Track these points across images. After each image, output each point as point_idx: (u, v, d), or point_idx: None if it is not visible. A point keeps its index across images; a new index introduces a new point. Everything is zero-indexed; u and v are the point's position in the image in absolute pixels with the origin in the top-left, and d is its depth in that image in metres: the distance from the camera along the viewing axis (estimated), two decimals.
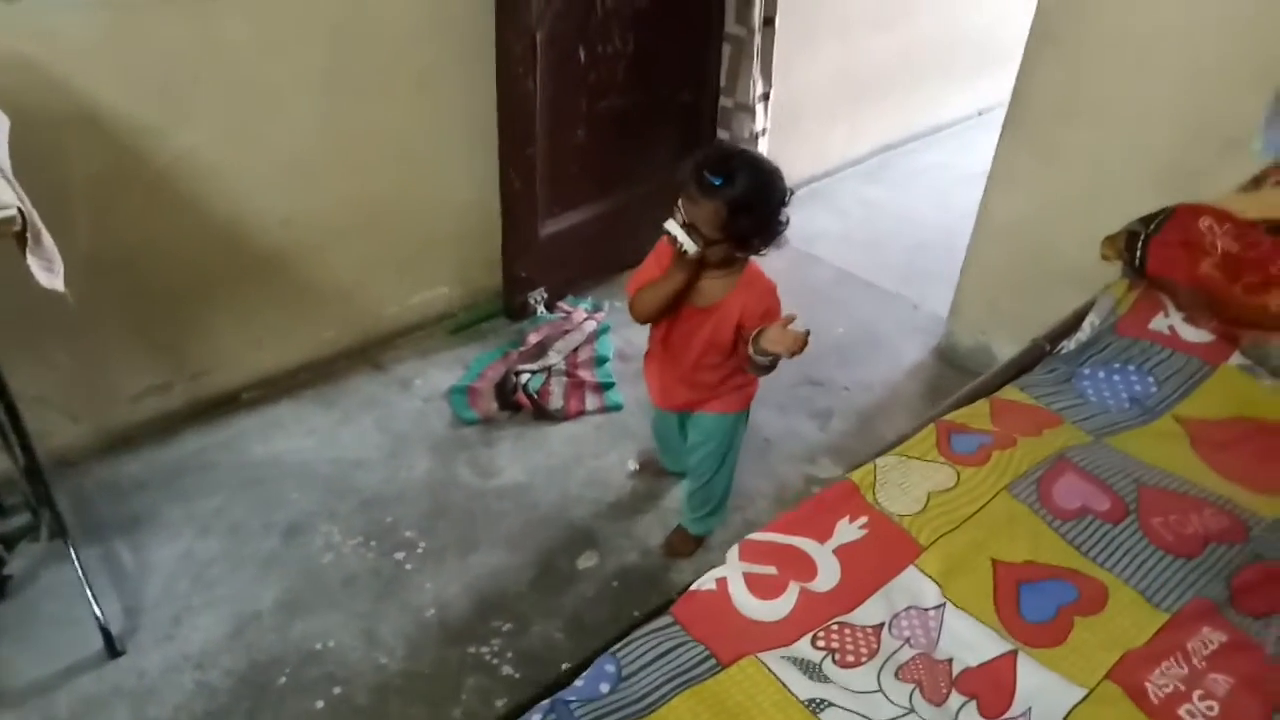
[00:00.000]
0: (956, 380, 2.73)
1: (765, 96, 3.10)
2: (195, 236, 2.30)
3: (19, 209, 1.46)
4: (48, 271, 1.57)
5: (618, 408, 2.64)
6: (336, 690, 1.82)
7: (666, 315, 1.81)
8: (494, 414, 2.58)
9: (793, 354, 1.65)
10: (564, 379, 2.68)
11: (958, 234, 3.40)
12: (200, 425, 2.47)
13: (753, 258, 1.77)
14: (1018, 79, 2.47)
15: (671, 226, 1.62)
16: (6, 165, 1.55)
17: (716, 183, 1.54)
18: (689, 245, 1.60)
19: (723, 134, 3.17)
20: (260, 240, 2.42)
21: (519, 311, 2.96)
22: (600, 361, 2.79)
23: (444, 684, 1.84)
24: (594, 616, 2.00)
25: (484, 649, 1.92)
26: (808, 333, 1.65)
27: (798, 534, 1.12)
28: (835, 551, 1.11)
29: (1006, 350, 2.69)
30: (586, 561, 2.14)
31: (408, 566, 2.10)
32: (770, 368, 1.75)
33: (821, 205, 3.84)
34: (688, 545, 2.15)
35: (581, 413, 2.60)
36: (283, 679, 1.84)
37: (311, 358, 2.70)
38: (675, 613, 1.04)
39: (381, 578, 2.07)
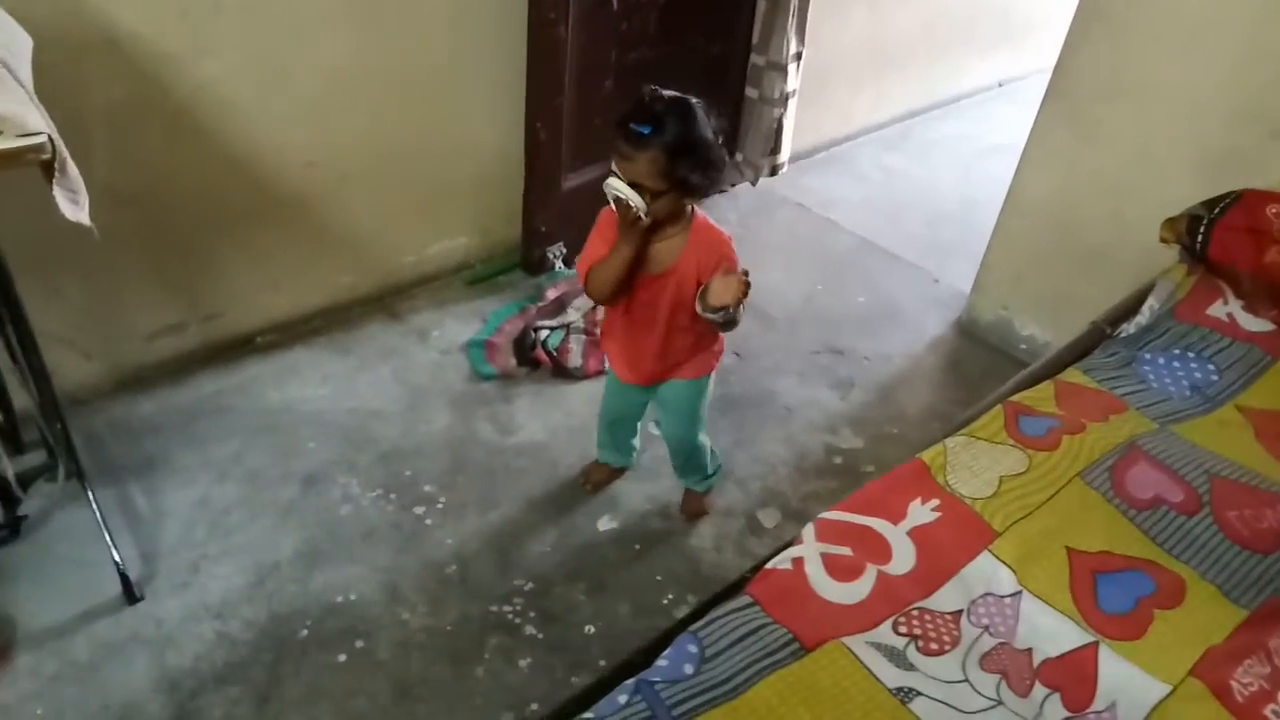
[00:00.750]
0: (977, 354, 2.73)
1: (798, 56, 3.03)
2: (214, 172, 2.22)
3: (49, 136, 1.40)
4: (72, 203, 1.51)
5: None
6: (359, 644, 1.80)
7: (624, 291, 1.71)
8: (512, 370, 2.54)
9: (739, 301, 1.58)
10: (583, 337, 2.63)
11: (978, 206, 3.38)
12: (214, 368, 2.42)
13: (700, 212, 1.69)
14: (1062, 53, 2.42)
15: (616, 186, 1.52)
16: (31, 89, 1.47)
17: (645, 131, 1.46)
18: (637, 202, 1.49)
19: (751, 92, 3.11)
20: (280, 180, 2.35)
21: (537, 265, 2.91)
22: None
23: (466, 641, 1.83)
24: (616, 579, 1.98)
25: (506, 608, 1.90)
26: (746, 273, 1.59)
27: (871, 514, 1.10)
28: (910, 534, 1.09)
29: (1029, 326, 2.68)
30: (607, 524, 2.12)
31: (428, 521, 2.08)
32: (729, 323, 1.66)
33: (842, 170, 3.79)
34: (703, 505, 2.15)
35: (601, 372, 2.57)
36: (304, 631, 1.82)
37: (327, 303, 2.64)
38: (753, 592, 1.02)
39: (402, 532, 2.04)
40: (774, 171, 3.27)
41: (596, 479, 2.21)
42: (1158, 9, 2.20)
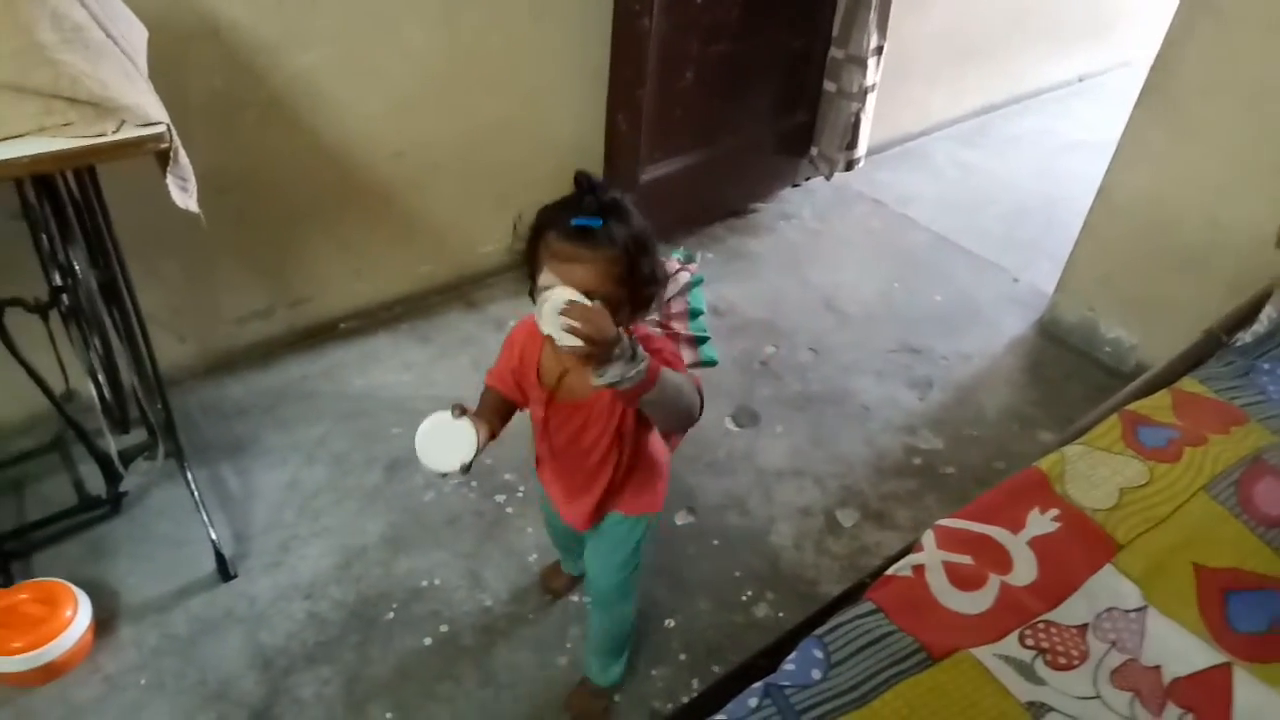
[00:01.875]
0: (1058, 356, 2.67)
1: (878, 50, 2.98)
2: (305, 161, 2.26)
3: (167, 126, 1.43)
4: (183, 191, 1.55)
5: (712, 363, 2.57)
6: (443, 629, 1.83)
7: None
8: None
9: (593, 326, 1.07)
10: (657, 330, 2.63)
11: (1059, 204, 3.31)
12: (300, 353, 2.46)
13: (646, 329, 1.35)
14: (1162, 47, 2.35)
15: (559, 296, 1.08)
16: (147, 78, 1.51)
17: (597, 224, 1.11)
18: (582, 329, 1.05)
19: (829, 85, 3.07)
20: (368, 169, 2.38)
21: None
22: (694, 315, 2.72)
23: (548, 630, 1.84)
24: (694, 573, 1.98)
25: (586, 599, 1.91)
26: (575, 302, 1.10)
27: (990, 523, 1.09)
28: (1030, 543, 1.07)
29: (1115, 328, 2.62)
30: (685, 518, 2.12)
31: (508, 510, 2.10)
32: (633, 383, 1.11)
33: (915, 166, 3.73)
34: (597, 702, 1.71)
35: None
36: (390, 614, 1.85)
37: (407, 291, 2.67)
38: (874, 599, 1.01)
39: (484, 519, 2.07)
40: (849, 166, 3.22)
41: (555, 586, 1.90)
42: (1274, 7, 2.12)
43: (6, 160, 1.33)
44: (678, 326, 2.64)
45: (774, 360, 2.61)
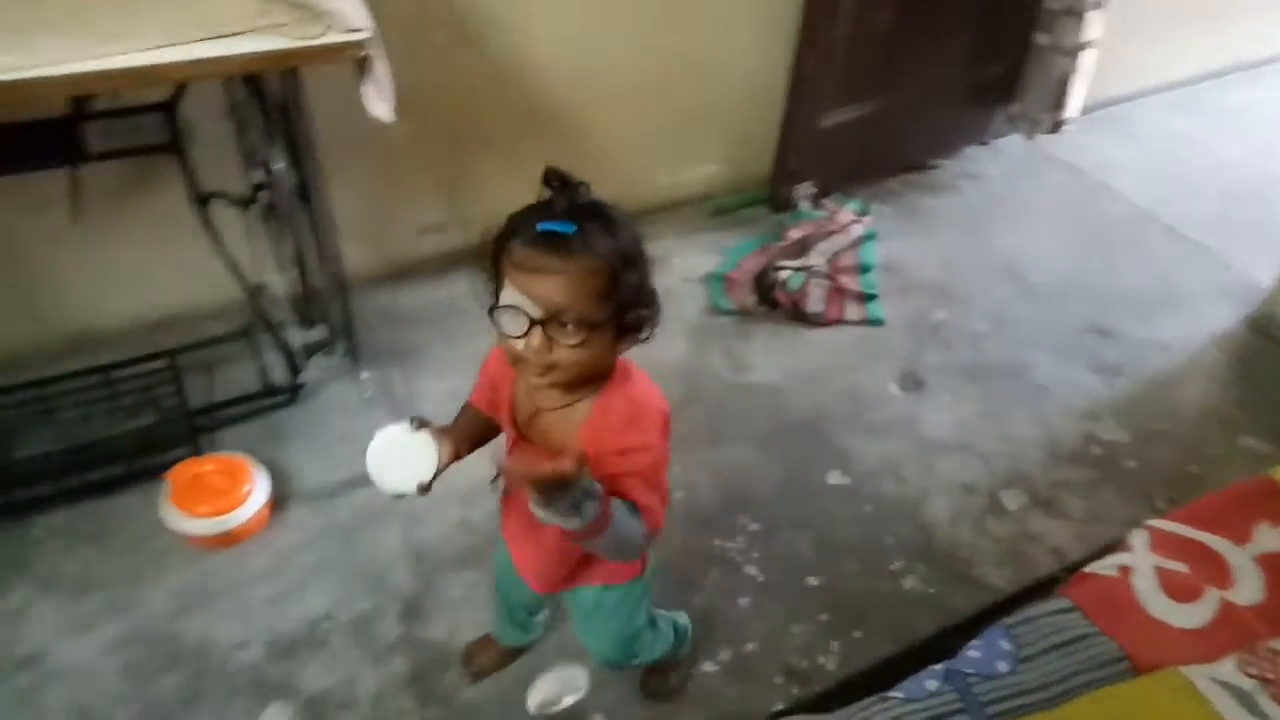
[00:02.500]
0: (1273, 356, 2.42)
1: (1099, 3, 2.72)
2: (487, 83, 2.29)
3: (369, 33, 1.45)
4: (380, 100, 1.58)
5: (879, 322, 2.49)
6: None
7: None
8: (750, 307, 2.49)
9: (518, 478, 0.96)
10: (825, 282, 2.55)
11: None
12: (469, 270, 2.51)
13: (628, 364, 1.13)
14: None
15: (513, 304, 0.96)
16: None
17: (569, 230, 0.94)
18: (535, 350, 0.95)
19: (1042, 38, 2.83)
20: (545, 94, 2.38)
21: (782, 203, 2.83)
22: (864, 270, 2.64)
23: (688, 569, 1.84)
24: (843, 536, 1.93)
25: (729, 544, 1.90)
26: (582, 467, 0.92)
27: (1211, 531, 0.99)
28: (1257, 560, 0.97)
29: None
30: (838, 479, 2.06)
31: None
32: (572, 529, 0.94)
33: (1119, 132, 3.42)
34: (667, 678, 1.61)
35: (840, 321, 2.48)
36: None
37: None
38: (1072, 596, 0.94)
39: None
40: (1055, 128, 2.99)
41: (481, 663, 1.59)
42: None
43: (223, 57, 1.39)
44: (846, 281, 2.56)
45: (946, 326, 2.48)
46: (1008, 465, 2.10)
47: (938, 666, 0.88)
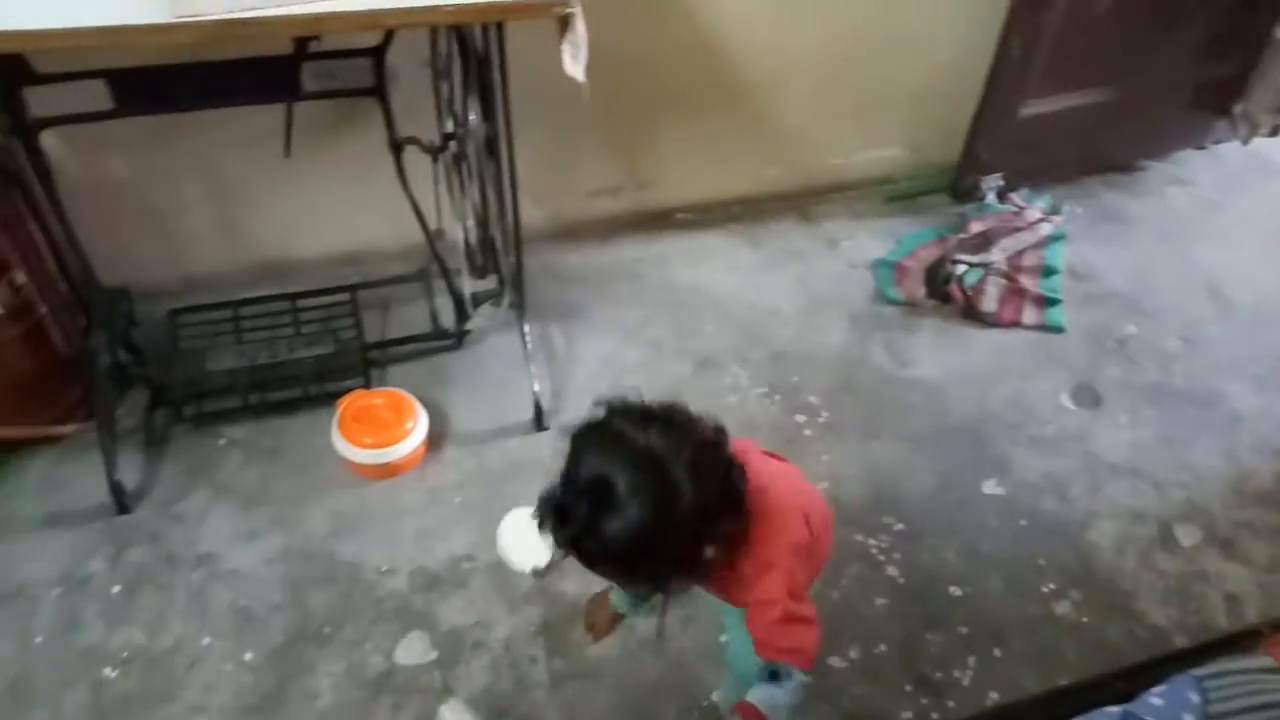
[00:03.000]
0: None
1: None
2: (677, 49, 2.28)
3: None
4: (574, 59, 1.59)
5: (1058, 329, 2.34)
6: None
7: None
8: (919, 299, 2.39)
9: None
10: (1003, 281, 2.41)
11: None
12: (636, 235, 2.54)
13: (769, 501, 1.08)
14: None
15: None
16: None
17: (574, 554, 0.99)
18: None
19: None
20: (734, 65, 2.35)
21: (966, 194, 2.69)
22: (1048, 272, 2.48)
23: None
24: (993, 549, 1.83)
25: (871, 541, 1.84)
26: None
27: None
28: None
29: None
30: (994, 488, 1.96)
31: (806, 432, 2.05)
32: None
33: None
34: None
35: (1015, 323, 2.34)
36: None
37: (746, 193, 2.65)
38: (1278, 657, 0.85)
39: (781, 434, 2.04)
40: (1275, 132, 2.71)
41: (594, 620, 1.43)
42: None
43: (437, 7, 1.44)
44: (1026, 282, 2.42)
45: (1132, 341, 2.31)
46: (1185, 497, 1.94)
47: (1114, 709, 0.82)
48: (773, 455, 1.25)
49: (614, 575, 1.03)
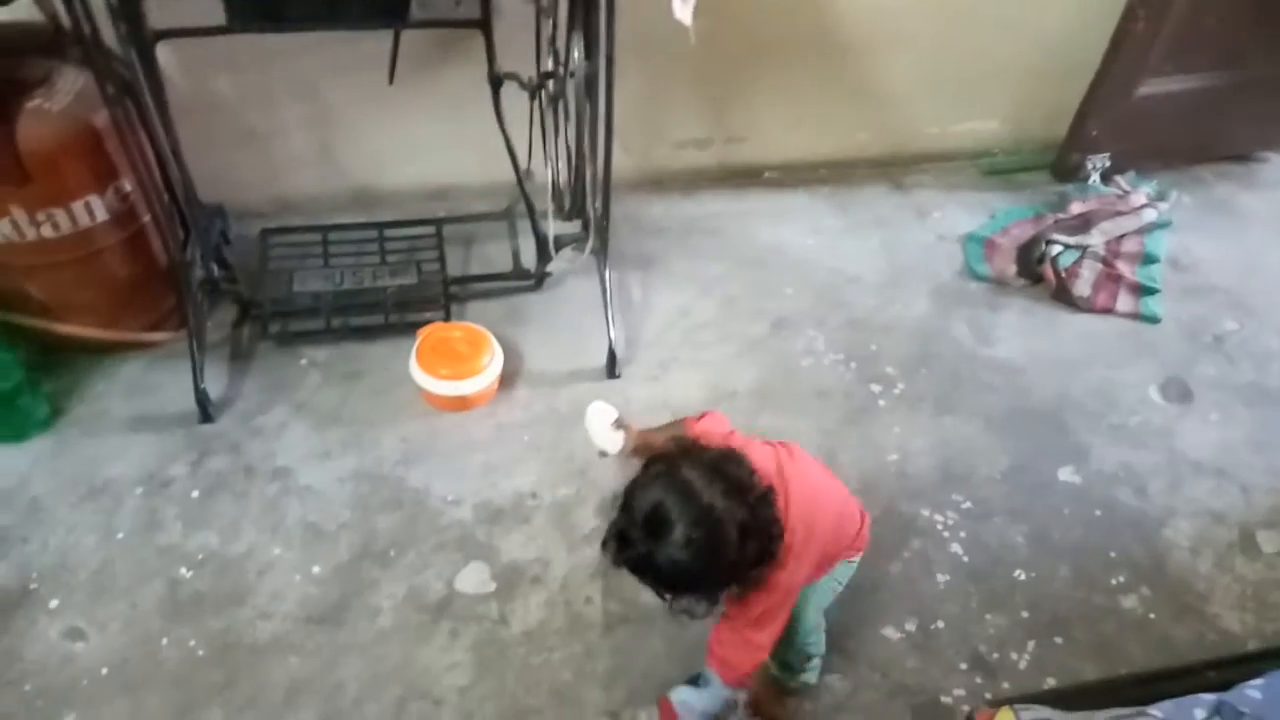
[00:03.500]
0: None
1: None
2: (779, 6, 2.22)
3: None
4: (682, 3, 1.56)
5: (1154, 319, 2.25)
6: None
7: None
8: (1008, 277, 2.32)
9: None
10: (1099, 265, 2.32)
11: None
12: (721, 190, 2.51)
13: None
14: None
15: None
16: None
17: (619, 558, 1.15)
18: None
19: None
20: (838, 22, 2.29)
21: (1068, 173, 2.59)
22: (1148, 260, 2.38)
23: (889, 534, 1.77)
24: (1063, 537, 1.79)
25: (937, 517, 1.81)
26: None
27: None
28: None
29: None
30: (1069, 475, 1.90)
31: (880, 402, 2.02)
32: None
33: None
34: (778, 709, 1.53)
35: (1109, 310, 2.26)
36: None
37: (837, 156, 2.59)
38: None
39: (852, 402, 2.01)
40: None
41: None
42: None
43: None
44: (1124, 268, 2.32)
45: (1231, 338, 2.21)
46: (1272, 504, 1.87)
47: (1208, 696, 0.79)
48: (794, 454, 1.32)
49: (653, 588, 1.16)
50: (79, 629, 1.56)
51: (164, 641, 1.55)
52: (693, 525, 1.08)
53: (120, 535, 1.69)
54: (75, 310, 1.85)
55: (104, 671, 1.50)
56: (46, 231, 1.69)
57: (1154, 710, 0.77)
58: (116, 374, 1.95)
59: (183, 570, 1.65)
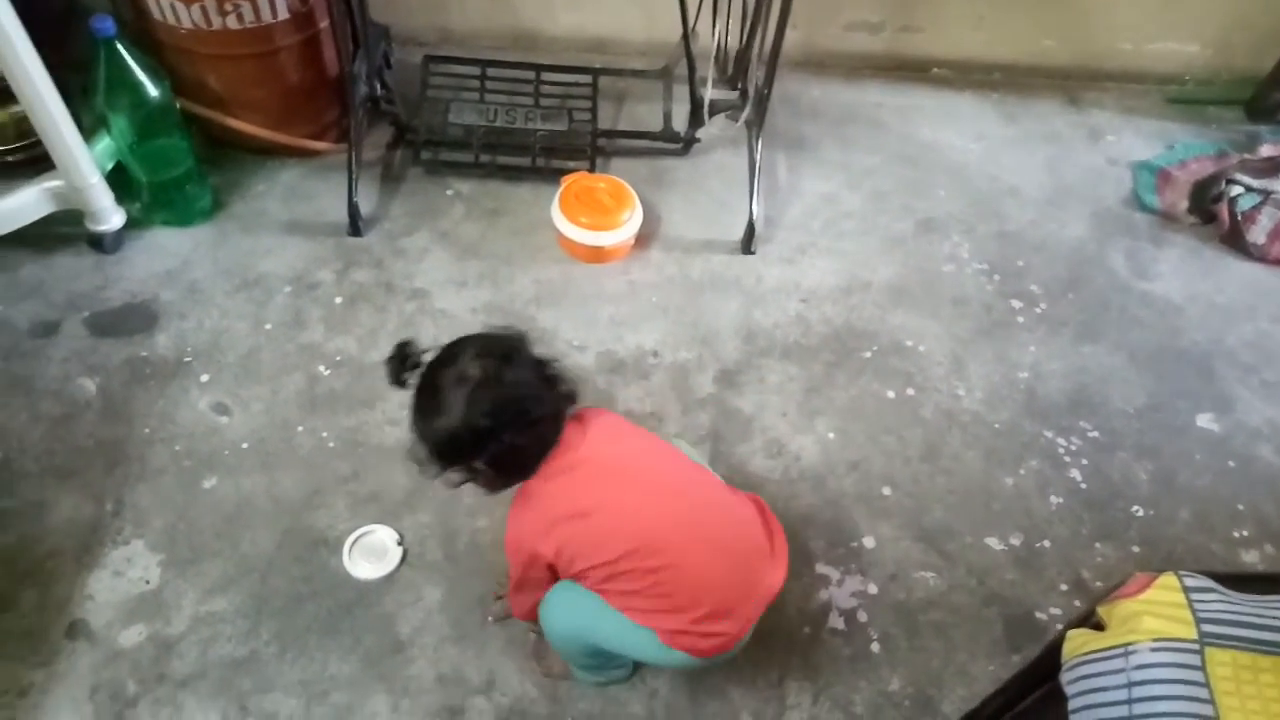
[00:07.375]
0: None
1: None
2: None
3: None
4: None
5: None
6: (909, 391, 1.81)
7: None
8: (1178, 212, 2.18)
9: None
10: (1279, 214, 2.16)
11: None
12: (886, 80, 2.41)
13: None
14: None
15: None
16: None
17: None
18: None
19: None
20: None
21: (1266, 112, 2.39)
22: None
23: (1007, 448, 1.74)
24: (1190, 481, 1.72)
25: (1060, 440, 1.76)
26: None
27: None
28: None
29: None
30: (1208, 423, 1.82)
31: (1019, 319, 1.95)
32: None
33: None
34: (550, 664, 1.42)
35: None
36: (868, 354, 1.86)
37: (1015, 60, 2.44)
38: None
39: (991, 315, 1.95)
40: None
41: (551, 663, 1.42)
42: None
43: None
44: None
45: None
46: None
47: None
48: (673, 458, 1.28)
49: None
50: (225, 404, 1.66)
51: (299, 429, 1.65)
52: (476, 358, 1.11)
53: (268, 326, 1.79)
54: (247, 107, 1.92)
55: (244, 445, 1.61)
56: (231, 22, 1.74)
57: None
58: (276, 177, 2.03)
59: (321, 368, 1.73)
